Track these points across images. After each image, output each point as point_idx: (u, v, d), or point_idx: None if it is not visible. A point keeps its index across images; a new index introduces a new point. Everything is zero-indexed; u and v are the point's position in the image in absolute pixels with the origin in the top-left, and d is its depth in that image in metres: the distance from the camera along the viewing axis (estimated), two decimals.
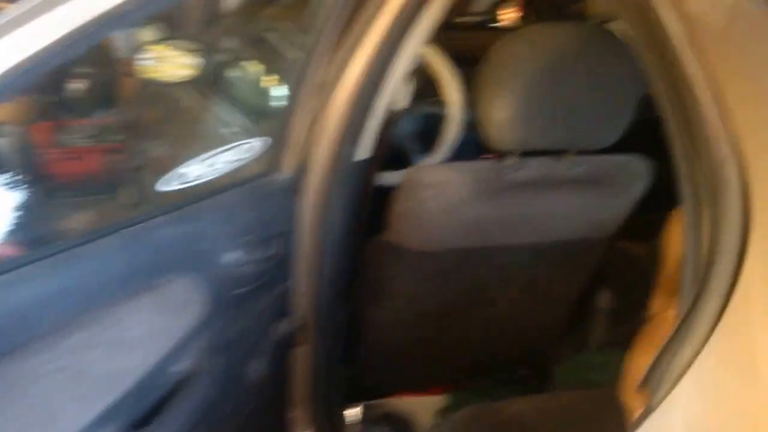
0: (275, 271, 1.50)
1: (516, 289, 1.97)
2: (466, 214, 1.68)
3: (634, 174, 1.79)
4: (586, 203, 1.78)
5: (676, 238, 1.82)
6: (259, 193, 1.44)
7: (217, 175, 1.31)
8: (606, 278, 2.16)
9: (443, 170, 1.66)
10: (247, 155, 1.43)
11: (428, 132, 2.16)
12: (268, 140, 1.50)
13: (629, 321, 2.27)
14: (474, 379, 2.25)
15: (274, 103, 1.75)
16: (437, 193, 1.64)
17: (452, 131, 2.13)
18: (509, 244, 1.81)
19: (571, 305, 2.10)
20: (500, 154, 1.67)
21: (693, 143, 0.94)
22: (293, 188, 1.55)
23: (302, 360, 1.75)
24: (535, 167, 1.69)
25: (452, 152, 2.14)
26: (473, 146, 2.20)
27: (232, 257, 1.31)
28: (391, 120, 1.79)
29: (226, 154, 1.36)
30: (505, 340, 2.13)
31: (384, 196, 1.76)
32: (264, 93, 1.83)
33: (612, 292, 2.21)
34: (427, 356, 2.10)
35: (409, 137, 2.15)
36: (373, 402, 2.08)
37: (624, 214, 1.83)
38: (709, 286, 0.91)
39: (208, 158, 1.31)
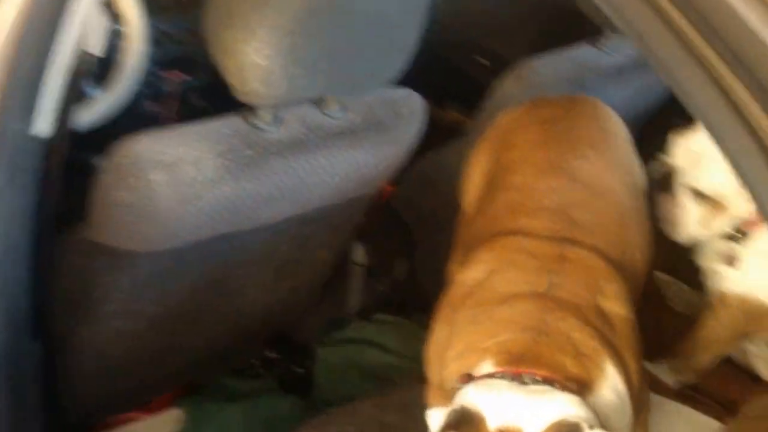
0: None
1: (271, 270, 1.60)
2: (213, 196, 1.25)
3: (410, 113, 1.49)
4: (358, 157, 1.45)
5: (475, 184, 1.53)
6: None
7: None
8: (360, 230, 1.82)
9: (178, 141, 1.18)
10: None
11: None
12: None
13: (386, 276, 2.01)
14: (213, 376, 1.82)
15: None
16: (173, 176, 1.18)
17: (135, 55, 1.59)
18: (266, 224, 1.39)
19: (331, 270, 1.75)
20: (250, 108, 1.25)
21: None
22: None
23: None
24: (296, 123, 1.31)
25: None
26: (159, 64, 1.77)
27: None
28: (85, 70, 1.21)
29: None
30: (255, 326, 1.76)
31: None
32: None
33: (366, 246, 1.89)
34: (152, 367, 1.65)
35: None
36: None
37: (400, 163, 1.54)
38: None
39: None
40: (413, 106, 1.47)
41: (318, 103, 1.33)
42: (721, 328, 1.70)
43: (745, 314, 1.66)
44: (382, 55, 1.30)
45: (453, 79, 2.41)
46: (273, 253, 1.53)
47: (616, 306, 1.19)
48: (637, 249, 1.33)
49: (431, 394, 1.29)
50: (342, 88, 1.31)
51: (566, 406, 1.01)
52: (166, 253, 1.30)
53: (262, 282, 1.61)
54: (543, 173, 1.35)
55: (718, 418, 1.63)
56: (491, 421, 1.00)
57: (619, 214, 1.33)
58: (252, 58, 1.12)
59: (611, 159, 1.41)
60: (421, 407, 1.44)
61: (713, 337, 1.71)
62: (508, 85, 1.72)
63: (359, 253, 1.93)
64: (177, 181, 1.17)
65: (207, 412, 1.74)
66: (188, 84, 1.88)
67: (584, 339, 1.12)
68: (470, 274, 1.25)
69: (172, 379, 1.78)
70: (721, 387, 1.73)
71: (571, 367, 1.08)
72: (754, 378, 1.76)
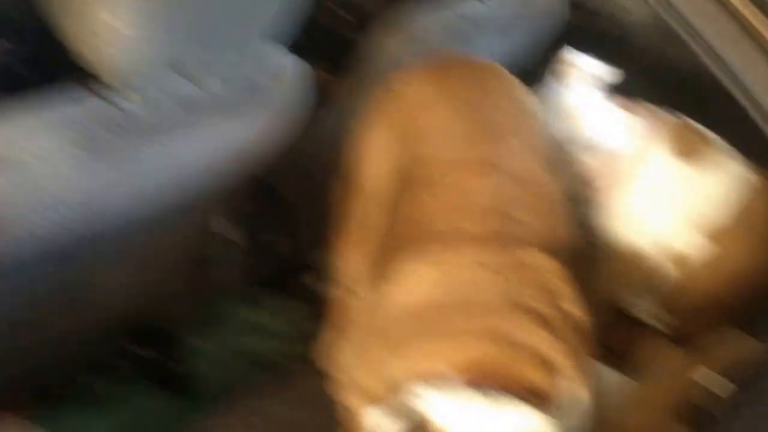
0: None
1: (137, 264, 1.38)
2: (65, 194, 1.04)
3: (291, 77, 1.33)
4: (237, 131, 1.29)
5: (378, 166, 1.36)
6: None
7: None
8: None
9: (13, 129, 0.95)
10: None
11: None
12: None
13: (265, 252, 1.82)
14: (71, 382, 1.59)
15: None
16: (10, 174, 0.94)
17: None
18: (131, 217, 1.18)
19: (205, 252, 1.60)
20: (104, 83, 1.04)
21: None
22: None
23: None
24: (161, 97, 1.11)
25: None
26: None
27: None
28: None
29: None
30: (118, 324, 1.55)
31: None
32: None
33: (240, 220, 1.69)
34: None
35: None
36: None
37: (284, 134, 1.36)
38: None
39: None
40: (294, 69, 1.30)
41: (186, 72, 1.12)
42: (609, 280, 1.67)
43: (627, 264, 1.64)
44: (263, 11, 1.11)
45: (307, 32, 2.22)
46: (139, 246, 1.32)
47: (575, 308, 1.11)
48: (567, 235, 1.25)
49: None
50: (217, 53, 1.11)
51: (531, 420, 0.93)
52: (3, 267, 1.06)
53: (125, 278, 1.40)
54: (472, 171, 1.21)
55: (614, 366, 1.61)
56: None
57: (551, 205, 1.24)
58: (108, 22, 0.92)
59: (534, 145, 1.31)
60: (327, 396, 1.32)
61: (604, 289, 1.69)
62: (392, 42, 1.56)
63: (233, 230, 1.73)
64: (16, 180, 0.94)
65: (69, 426, 1.52)
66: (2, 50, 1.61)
67: (553, 353, 1.03)
68: (413, 296, 1.10)
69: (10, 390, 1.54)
70: (615, 337, 1.71)
71: (539, 381, 0.99)
72: (644, 327, 1.75)
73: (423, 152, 1.26)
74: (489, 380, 0.95)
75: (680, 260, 1.61)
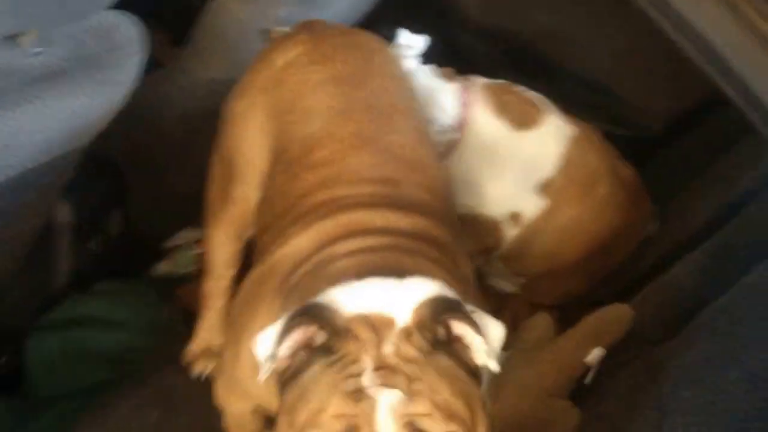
0: None
1: None
2: None
3: (128, 42, 1.22)
4: (70, 104, 1.15)
5: (254, 144, 1.25)
6: None
7: None
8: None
9: None
10: None
11: None
12: None
13: (98, 232, 1.67)
14: None
15: None
16: None
17: None
18: None
19: (34, 237, 1.42)
20: None
21: None
22: None
23: None
24: None
25: None
26: None
27: None
28: None
29: None
30: None
31: None
32: None
33: (70, 198, 1.54)
34: None
35: None
36: None
37: (121, 105, 1.23)
38: None
39: None
40: (130, 33, 1.19)
41: (11, 38, 0.99)
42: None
43: (471, 228, 1.66)
44: None
45: None
46: None
47: (465, 264, 1.08)
48: (452, 221, 1.18)
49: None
50: (45, 17, 0.99)
51: (441, 287, 0.87)
52: None
53: None
54: (355, 149, 1.12)
55: None
56: (347, 308, 0.84)
57: (437, 189, 1.17)
58: None
59: (419, 127, 1.24)
60: (185, 394, 1.24)
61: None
62: (234, 5, 1.46)
63: (63, 210, 1.56)
64: None
65: None
66: None
67: (452, 268, 1.00)
68: (294, 248, 1.03)
69: None
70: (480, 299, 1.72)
71: (444, 275, 0.95)
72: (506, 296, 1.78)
73: (301, 131, 1.17)
74: (386, 269, 0.91)
75: (516, 217, 1.66)
